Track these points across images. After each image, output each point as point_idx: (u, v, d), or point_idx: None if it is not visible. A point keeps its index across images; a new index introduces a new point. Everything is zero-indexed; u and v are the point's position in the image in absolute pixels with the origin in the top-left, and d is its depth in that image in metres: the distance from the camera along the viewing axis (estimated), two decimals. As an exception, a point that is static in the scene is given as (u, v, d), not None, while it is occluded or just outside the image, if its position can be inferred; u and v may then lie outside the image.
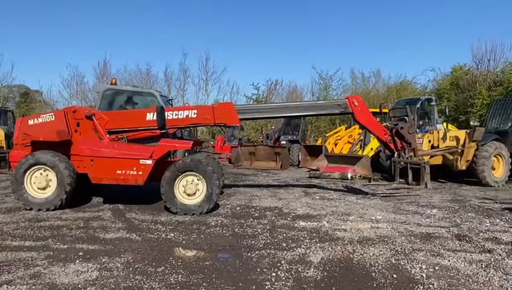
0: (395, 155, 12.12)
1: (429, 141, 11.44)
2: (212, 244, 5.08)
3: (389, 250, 4.82)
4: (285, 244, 5.05)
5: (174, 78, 35.43)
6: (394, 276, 3.95)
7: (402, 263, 4.36)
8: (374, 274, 4.01)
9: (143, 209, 7.17)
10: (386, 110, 16.87)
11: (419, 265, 4.27)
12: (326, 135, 18.84)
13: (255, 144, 21.83)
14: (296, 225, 6.11)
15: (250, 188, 10.06)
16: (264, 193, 9.34)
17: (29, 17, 52.64)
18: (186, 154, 8.40)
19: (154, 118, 7.47)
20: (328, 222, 6.25)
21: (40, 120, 7.42)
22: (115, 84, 9.12)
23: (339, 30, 57.74)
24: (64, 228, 5.76)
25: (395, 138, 8.16)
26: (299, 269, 4.13)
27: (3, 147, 14.83)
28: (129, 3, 56.71)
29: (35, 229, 5.67)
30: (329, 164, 13.32)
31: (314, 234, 5.54)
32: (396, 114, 15.81)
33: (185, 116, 7.74)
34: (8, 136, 15.33)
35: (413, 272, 4.08)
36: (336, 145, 16.90)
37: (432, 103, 14.76)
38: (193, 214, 6.70)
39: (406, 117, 14.80)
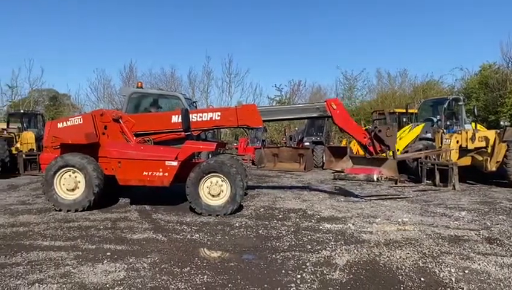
0: (422, 157, 11.96)
1: (457, 142, 11.17)
2: (236, 245, 5.10)
3: (416, 253, 4.74)
4: (310, 247, 5.02)
5: (197, 81, 35.85)
6: (422, 279, 3.88)
7: (430, 266, 4.28)
8: (400, 277, 3.95)
9: (169, 210, 7.26)
10: (413, 111, 16.63)
11: (448, 268, 4.18)
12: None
13: (278, 145, 21.79)
14: (321, 227, 6.07)
15: (274, 190, 10.05)
16: (288, 194, 9.31)
17: (57, 23, 54.13)
18: (210, 156, 8.48)
19: (179, 120, 7.56)
20: (353, 224, 6.18)
21: (69, 123, 7.61)
22: (141, 87, 9.28)
23: (364, 30, 57.11)
24: (93, 229, 5.89)
25: (374, 141, 8.00)
26: (325, 272, 4.10)
27: (33, 149, 15.24)
28: (153, 9, 57.57)
29: (65, 230, 5.82)
30: (354, 165, 13.14)
31: (339, 237, 5.49)
32: (423, 114, 15.59)
33: (208, 119, 7.81)
34: (38, 139, 15.74)
35: (441, 275, 3.99)
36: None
37: (460, 103, 14.43)
38: (217, 215, 6.74)
39: (432, 117, 14.65)
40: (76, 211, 6.95)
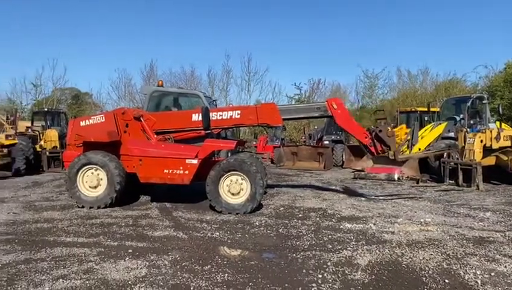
0: (444, 156, 11.75)
1: (481, 141, 10.92)
2: (256, 244, 5.09)
3: (439, 254, 4.64)
4: (330, 246, 4.97)
5: (217, 80, 35.97)
6: (446, 281, 3.79)
7: (454, 267, 4.19)
8: (424, 279, 3.87)
9: (189, 208, 7.30)
10: (435, 109, 16.33)
11: (473, 270, 4.08)
12: (372, 134, 18.41)
13: (297, 144, 21.71)
14: (341, 226, 6.01)
15: (293, 189, 10.01)
16: (308, 193, 9.26)
17: (79, 22, 55.07)
18: (229, 154, 8.49)
19: (200, 118, 7.59)
20: (374, 224, 6.10)
21: (91, 121, 7.72)
22: (162, 85, 9.35)
23: (385, 28, 56.33)
24: (114, 226, 5.97)
25: (375, 141, 7.86)
26: (346, 272, 4.05)
27: (56, 147, 15.55)
28: (173, 8, 58.04)
29: (87, 226, 5.91)
30: (374, 164, 13.00)
31: (360, 236, 5.43)
32: (445, 113, 15.30)
33: (228, 117, 7.82)
34: (61, 137, 16.06)
35: (466, 277, 3.90)
36: (381, 145, 16.49)
37: (484, 101, 14.07)
38: (237, 214, 6.75)
39: (455, 116, 14.36)
40: (98, 208, 7.05)
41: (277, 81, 56.55)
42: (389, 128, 7.98)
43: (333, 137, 18.78)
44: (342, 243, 5.10)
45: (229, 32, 58.35)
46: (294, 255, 4.62)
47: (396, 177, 11.70)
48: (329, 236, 5.45)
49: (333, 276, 3.94)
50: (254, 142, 23.04)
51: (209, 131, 7.69)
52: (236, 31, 58.22)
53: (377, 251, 4.75)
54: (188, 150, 7.15)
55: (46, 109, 19.05)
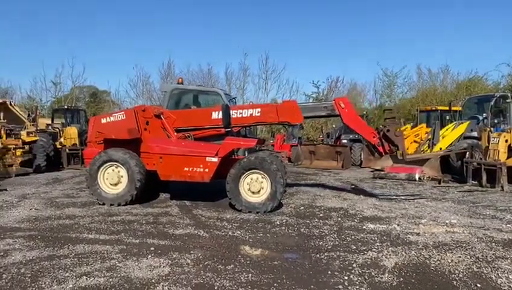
0: (467, 155, 11.49)
1: (506, 141, 10.63)
2: (278, 243, 5.01)
3: (468, 257, 4.50)
4: (354, 247, 4.87)
5: (234, 78, 35.89)
6: (478, 285, 3.66)
7: (485, 271, 4.04)
8: (454, 282, 3.74)
9: (208, 206, 7.26)
10: (457, 108, 16.00)
11: (506, 274, 3.93)
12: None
13: (315, 142, 21.54)
14: (364, 227, 5.89)
15: (312, 188, 9.91)
16: (327, 192, 9.15)
17: (98, 20, 55.71)
18: (246, 153, 8.43)
19: (220, 116, 7.55)
20: (398, 225, 5.97)
21: (112, 119, 7.73)
22: (182, 83, 9.34)
23: (403, 27, 55.53)
24: (135, 223, 5.96)
25: (383, 140, 7.66)
26: (373, 274, 3.95)
27: (76, 144, 15.73)
28: (191, 7, 58.29)
29: (109, 224, 5.91)
30: (394, 164, 12.79)
31: (384, 237, 5.31)
32: (467, 112, 14.98)
33: (249, 115, 7.74)
34: (81, 134, 16.24)
35: (499, 282, 3.76)
36: (401, 144, 16.24)
37: (508, 100, 13.70)
38: (257, 212, 6.68)
39: (478, 115, 14.04)
40: (119, 205, 7.06)
41: (295, 79, 55.95)
42: (397, 127, 7.82)
43: (351, 136, 18.53)
44: (366, 244, 4.99)
45: (246, 30, 58.20)
46: (318, 255, 4.53)
47: (417, 177, 11.49)
48: (353, 237, 5.34)
49: (360, 278, 3.83)
50: (271, 141, 22.94)
51: (229, 129, 7.63)
52: (254, 29, 58.06)
53: (403, 253, 4.63)
54: (208, 147, 7.11)
55: (65, 107, 19.31)
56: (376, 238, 5.26)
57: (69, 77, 34.87)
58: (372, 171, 13.29)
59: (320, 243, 5.03)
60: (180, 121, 7.73)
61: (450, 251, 4.70)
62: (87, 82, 37.71)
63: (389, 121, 8.02)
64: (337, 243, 5.06)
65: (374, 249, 4.76)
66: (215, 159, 6.96)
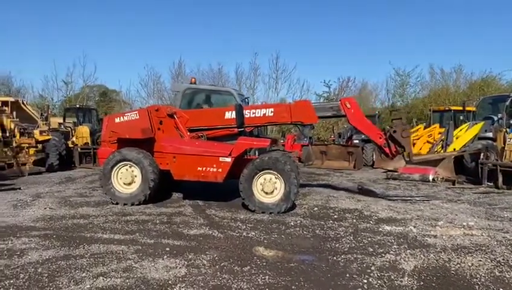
0: (481, 156, 11.32)
1: (522, 142, 10.46)
2: (294, 245, 4.96)
3: (489, 260, 4.41)
4: (371, 249, 4.80)
5: (244, 77, 35.86)
6: (501, 290, 3.58)
7: (508, 275, 3.96)
8: (477, 287, 3.66)
9: (221, 206, 7.23)
10: (471, 108, 15.81)
11: (529, 280, 3.84)
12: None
13: (326, 142, 21.42)
14: (380, 229, 5.82)
15: (325, 188, 9.83)
16: (341, 193, 9.07)
17: (110, 20, 56.08)
18: (257, 153, 8.39)
19: (233, 116, 7.52)
20: (415, 227, 5.88)
21: (126, 118, 7.72)
22: (194, 83, 9.32)
23: (417, 26, 54.99)
24: (149, 223, 5.94)
25: (390, 142, 7.53)
26: (392, 277, 3.88)
27: (88, 143, 15.81)
28: (201, 7, 58.40)
29: (123, 223, 5.90)
30: (407, 164, 12.65)
31: (401, 240, 5.23)
32: (481, 112, 14.78)
33: (262, 115, 7.69)
34: (93, 133, 16.33)
35: (522, 287, 3.67)
36: (414, 144, 16.07)
37: (524, 100, 13.52)
38: (271, 213, 6.63)
39: (492, 116, 13.83)
40: (132, 204, 7.06)
41: (305, 78, 55.56)
42: (404, 128, 7.70)
43: (363, 136, 18.29)
44: (383, 247, 4.92)
45: (257, 30, 58.19)
46: (334, 258, 4.47)
47: (430, 178, 11.35)
48: (369, 239, 5.27)
49: (379, 281, 3.77)
50: (282, 141, 22.85)
51: (242, 129, 7.59)
52: (264, 28, 57.92)
53: (421, 256, 4.55)
54: (222, 147, 7.07)
55: (77, 106, 19.38)
56: (393, 241, 5.18)
57: (80, 76, 35.12)
58: (385, 172, 13.17)
59: (337, 245, 4.96)
60: (193, 121, 7.71)
61: (469, 254, 4.61)
62: (99, 81, 38.00)
63: (395, 122, 7.90)
64: (353, 245, 5.00)
65: (391, 252, 4.69)
66: (228, 159, 6.93)
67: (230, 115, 7.58)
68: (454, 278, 3.90)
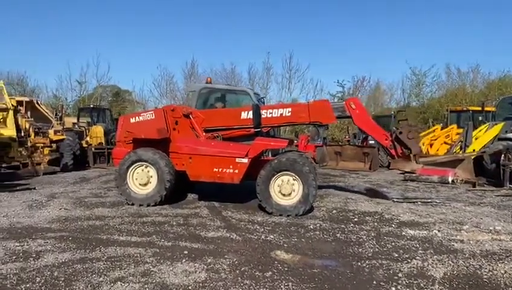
0: (502, 158, 11.02)
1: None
2: (315, 249, 4.80)
3: (522, 268, 4.20)
4: (396, 255, 4.61)
5: (257, 77, 35.70)
6: (540, 301, 3.38)
7: (544, 285, 3.75)
8: (513, 297, 3.47)
9: (238, 208, 7.09)
10: (490, 108, 15.46)
11: None
12: (420, 134, 17.65)
13: (341, 143, 21.15)
14: (403, 233, 5.62)
15: (342, 191, 9.64)
16: (359, 195, 8.87)
17: (123, 22, 56.43)
18: (270, 154, 8.23)
19: (249, 116, 7.38)
20: (439, 231, 5.68)
21: (141, 118, 7.63)
22: (210, 83, 9.19)
23: (433, 25, 54.21)
24: (166, 225, 5.83)
25: (395, 143, 7.28)
26: (421, 285, 3.69)
27: (102, 143, 15.81)
28: (213, 6, 58.44)
29: (139, 225, 5.79)
30: (425, 166, 12.39)
31: (426, 244, 5.04)
32: (501, 113, 14.42)
33: (279, 115, 7.54)
34: (107, 133, 16.33)
35: (562, 297, 3.47)
36: (431, 146, 15.80)
37: (546, 100, 13.18)
38: (288, 215, 6.47)
39: (513, 116, 13.48)
40: (148, 205, 6.96)
41: (319, 78, 54.68)
42: (410, 130, 7.47)
43: (379, 137, 18.12)
44: (408, 252, 4.73)
45: (270, 29, 57.79)
46: (359, 263, 4.30)
47: (450, 179, 11.08)
48: (393, 243, 5.08)
49: (408, 289, 3.59)
50: (295, 141, 22.65)
51: (259, 129, 7.45)
52: (278, 28, 57.56)
53: (449, 262, 4.35)
54: (238, 148, 6.93)
55: (91, 106, 19.40)
56: (418, 245, 4.99)
57: (94, 76, 35.28)
58: (402, 173, 12.90)
59: (360, 250, 4.79)
60: (209, 121, 7.59)
61: (500, 261, 4.40)
62: (112, 81, 38.14)
63: (401, 123, 7.69)
64: (377, 250, 4.82)
65: (417, 257, 4.50)
66: (245, 160, 6.78)
67: (246, 115, 7.45)
68: (488, 287, 3.70)
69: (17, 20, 49.73)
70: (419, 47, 53.72)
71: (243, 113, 7.51)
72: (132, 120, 7.69)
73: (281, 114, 7.53)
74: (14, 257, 4.28)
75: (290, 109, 7.57)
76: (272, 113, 7.54)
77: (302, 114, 7.48)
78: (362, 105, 7.72)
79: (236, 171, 6.82)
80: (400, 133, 7.40)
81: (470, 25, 53.41)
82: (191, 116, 7.45)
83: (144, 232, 5.39)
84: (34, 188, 8.96)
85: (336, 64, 58.09)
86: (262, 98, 10.64)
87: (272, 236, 5.33)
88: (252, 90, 9.12)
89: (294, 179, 6.64)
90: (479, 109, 15.71)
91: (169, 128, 7.41)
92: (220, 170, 6.87)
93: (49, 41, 51.95)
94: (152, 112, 7.75)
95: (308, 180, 6.53)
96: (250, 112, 7.35)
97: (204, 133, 7.46)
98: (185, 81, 33.90)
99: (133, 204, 7.04)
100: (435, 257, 4.54)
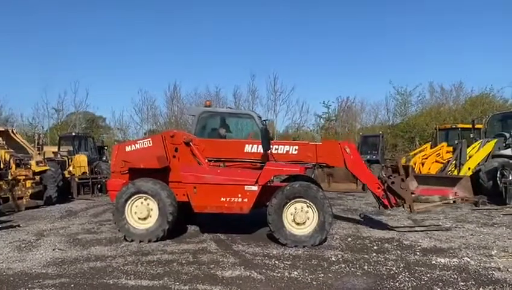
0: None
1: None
2: (349, 287, 4.36)
3: None
4: (438, 289, 4.22)
5: (242, 100, 35.54)
6: None
7: None
8: None
9: (247, 240, 6.60)
10: (480, 126, 15.50)
11: None
12: (410, 153, 17.58)
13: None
14: (433, 261, 5.25)
15: (346, 214, 9.26)
16: (367, 220, 8.50)
17: (102, 49, 55.75)
18: (273, 180, 7.79)
19: (253, 150, 6.94)
20: (470, 259, 5.33)
21: (138, 146, 7.12)
22: (209, 106, 8.73)
23: (416, 44, 55.44)
24: (175, 263, 5.29)
25: (388, 193, 7.02)
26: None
27: (86, 172, 15.06)
28: (196, 30, 58.53)
29: (146, 265, 5.24)
30: (419, 185, 12.11)
31: (464, 275, 4.67)
32: (491, 130, 14.46)
33: (285, 152, 7.09)
34: (90, 162, 15.61)
35: None
36: (422, 164, 15.66)
37: (536, 116, 13.29)
38: (304, 246, 6.03)
39: (504, 133, 13.51)
40: (149, 241, 6.38)
41: (304, 99, 53.99)
42: (403, 179, 7.14)
43: (368, 156, 18.03)
44: (449, 284, 4.35)
45: (254, 50, 58.15)
46: (403, 302, 3.89)
47: (452, 199, 10.84)
48: (428, 275, 4.70)
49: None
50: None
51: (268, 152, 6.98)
52: (261, 49, 57.97)
53: (500, 295, 4.00)
54: (247, 175, 6.50)
55: (73, 134, 18.59)
56: (455, 276, 4.62)
57: (72, 103, 34.41)
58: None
59: (397, 285, 4.38)
60: (210, 151, 7.06)
61: (552, 291, 4.07)
62: (90, 108, 37.30)
63: (393, 174, 7.27)
64: (415, 283, 4.42)
65: (463, 291, 4.12)
66: (254, 188, 6.35)
67: (250, 148, 6.99)
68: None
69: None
70: (402, 66, 54.84)
71: (246, 146, 7.05)
72: (128, 148, 7.16)
73: (287, 151, 7.09)
74: (11, 314, 3.70)
75: (296, 147, 7.13)
76: (277, 149, 7.10)
77: (309, 153, 7.02)
78: (356, 150, 7.40)
79: (246, 200, 6.37)
80: (393, 183, 7.06)
81: (453, 40, 54.80)
82: (191, 144, 6.96)
83: (153, 274, 4.84)
84: (19, 225, 8.24)
85: (320, 85, 58.75)
86: (265, 120, 10.22)
87: (295, 272, 4.87)
88: (255, 114, 8.66)
89: (308, 206, 6.24)
90: (468, 126, 15.75)
91: (169, 156, 6.92)
92: (228, 199, 6.41)
93: (24, 70, 50.77)
94: (149, 139, 7.24)
95: (323, 207, 6.14)
96: (254, 146, 6.92)
97: (206, 160, 6.98)
98: (167, 105, 33.37)
99: (132, 240, 6.45)
100: (480, 289, 4.17)
